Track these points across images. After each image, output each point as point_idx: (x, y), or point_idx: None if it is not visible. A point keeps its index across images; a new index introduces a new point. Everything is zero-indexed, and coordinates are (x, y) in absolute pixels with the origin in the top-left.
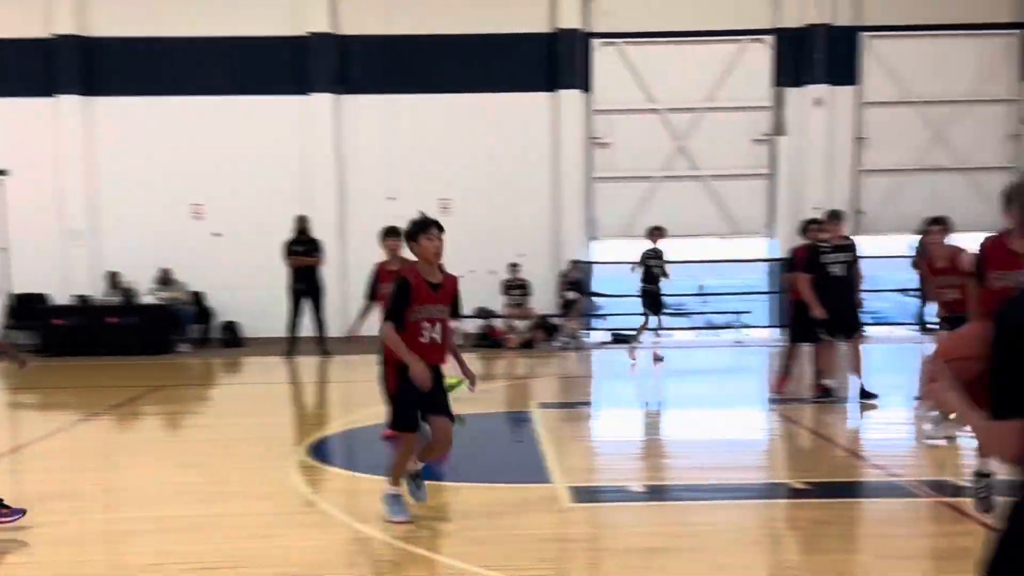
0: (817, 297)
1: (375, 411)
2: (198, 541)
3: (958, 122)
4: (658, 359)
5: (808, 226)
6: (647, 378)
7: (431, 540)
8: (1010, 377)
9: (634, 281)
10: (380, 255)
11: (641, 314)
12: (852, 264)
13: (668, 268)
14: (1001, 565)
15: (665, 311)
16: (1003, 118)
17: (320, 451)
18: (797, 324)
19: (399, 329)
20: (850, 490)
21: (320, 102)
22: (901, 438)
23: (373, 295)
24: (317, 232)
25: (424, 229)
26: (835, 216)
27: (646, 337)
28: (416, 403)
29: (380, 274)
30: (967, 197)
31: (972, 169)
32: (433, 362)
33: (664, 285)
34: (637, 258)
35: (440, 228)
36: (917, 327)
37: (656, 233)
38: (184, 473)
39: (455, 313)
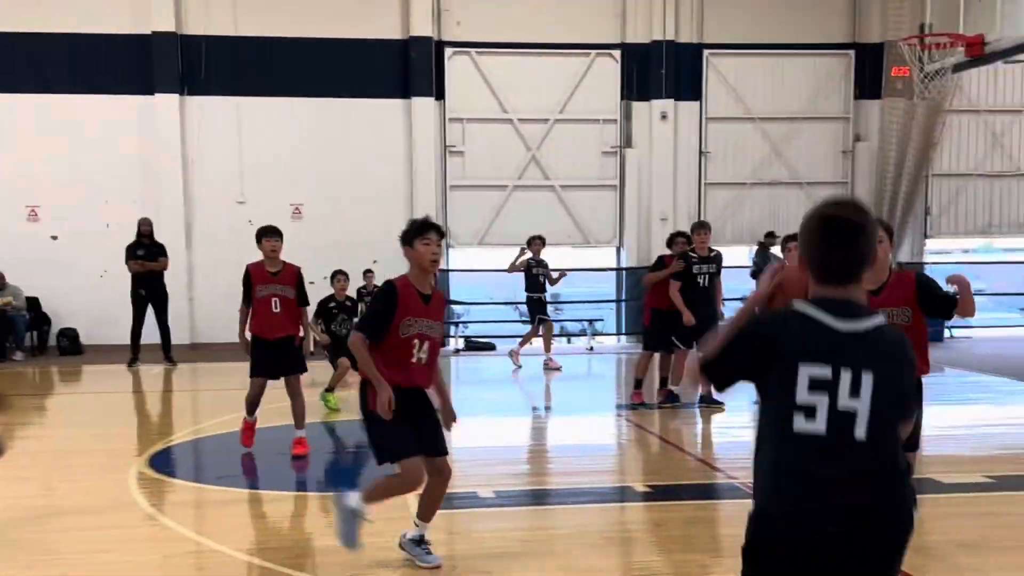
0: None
1: (221, 420)
2: (30, 561)
3: (795, 138)
4: (554, 368)
5: (675, 238)
6: (503, 385)
7: (275, 553)
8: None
9: (491, 288)
10: (229, 259)
11: (526, 322)
12: (715, 276)
13: (553, 275)
14: None
15: (548, 320)
16: (837, 135)
17: (163, 462)
18: (652, 332)
19: (375, 343)
20: (691, 492)
21: (165, 103)
22: (740, 441)
23: (248, 298)
24: (161, 236)
25: (421, 232)
26: (703, 227)
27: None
28: (404, 426)
29: (253, 276)
30: (803, 210)
31: (808, 183)
32: (419, 385)
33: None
34: (511, 264)
35: (440, 233)
36: None
37: (537, 243)
38: (15, 487)
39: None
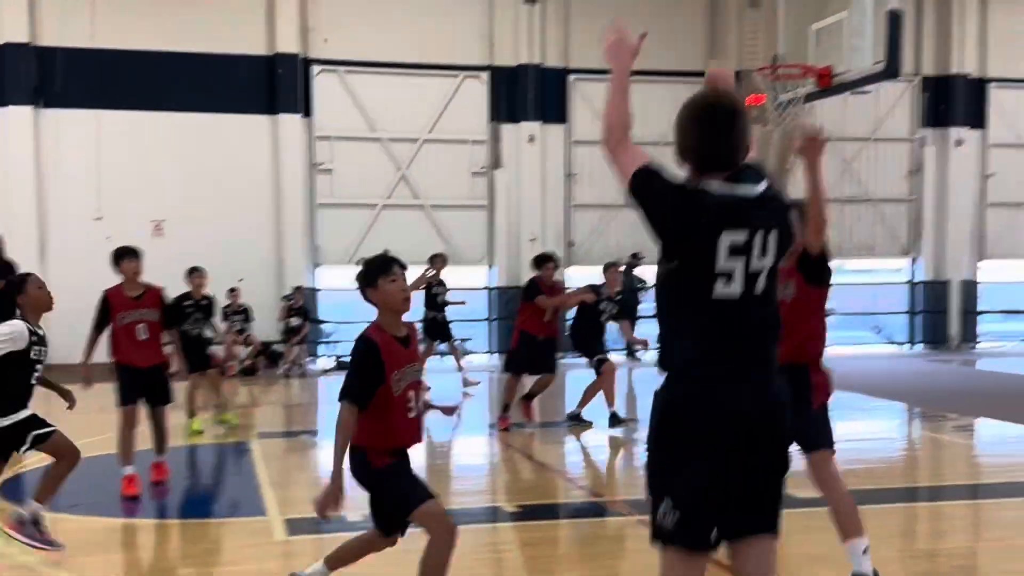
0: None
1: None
2: None
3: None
4: (469, 384)
5: (545, 262)
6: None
7: None
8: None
9: (361, 307)
10: (86, 277)
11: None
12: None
13: (449, 299)
14: None
15: (451, 338)
16: None
17: (13, 490)
18: (517, 354)
19: (362, 408)
20: (561, 512)
21: (17, 115)
22: (605, 460)
23: (101, 325)
24: (13, 253)
25: (384, 270)
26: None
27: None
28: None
29: (113, 302)
30: None
31: None
32: (413, 443)
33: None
34: (413, 283)
35: (403, 266)
36: (625, 352)
37: (439, 261)
38: None
39: None
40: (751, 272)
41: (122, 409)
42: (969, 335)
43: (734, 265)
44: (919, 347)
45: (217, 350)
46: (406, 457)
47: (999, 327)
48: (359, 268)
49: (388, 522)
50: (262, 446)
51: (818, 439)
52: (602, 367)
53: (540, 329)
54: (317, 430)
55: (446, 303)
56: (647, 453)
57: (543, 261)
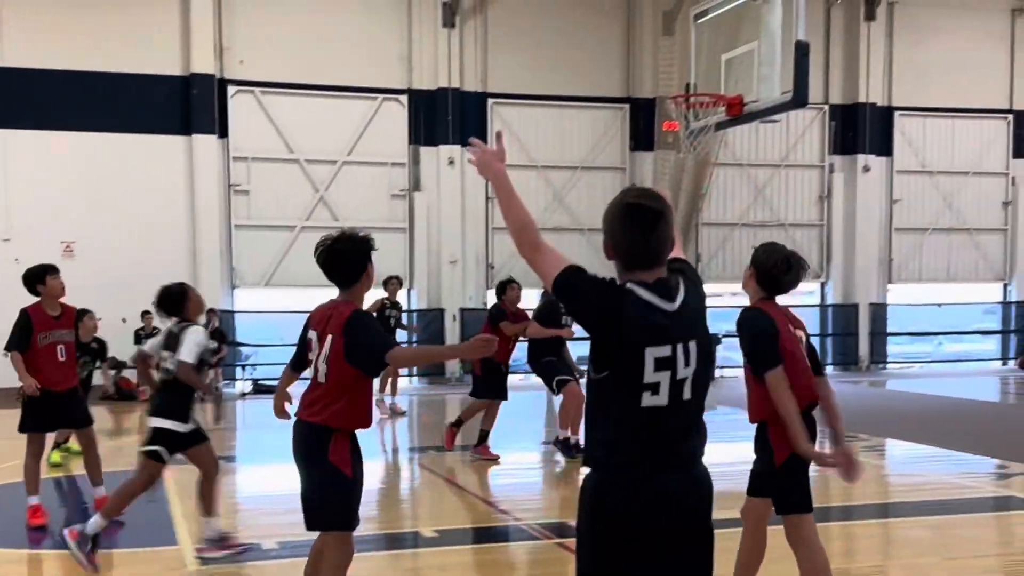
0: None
1: None
2: None
3: (576, 186)
4: (399, 412)
5: (508, 285)
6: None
7: None
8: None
9: (280, 330)
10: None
11: None
12: None
13: (403, 321)
14: None
15: None
16: (615, 183)
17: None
18: (483, 380)
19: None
20: (476, 536)
21: None
22: (527, 483)
23: (26, 345)
24: None
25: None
26: (513, 283)
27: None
28: None
29: (35, 320)
30: (586, 255)
31: (589, 230)
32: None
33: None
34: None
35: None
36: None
37: (394, 283)
38: None
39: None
40: (677, 380)
41: (31, 438)
42: (878, 356)
43: (660, 377)
44: (830, 369)
45: (129, 375)
46: None
47: (907, 348)
48: None
49: None
50: (175, 473)
51: (789, 500)
52: (563, 388)
53: (504, 356)
54: (234, 456)
55: (400, 325)
56: (578, 547)
57: (507, 285)
